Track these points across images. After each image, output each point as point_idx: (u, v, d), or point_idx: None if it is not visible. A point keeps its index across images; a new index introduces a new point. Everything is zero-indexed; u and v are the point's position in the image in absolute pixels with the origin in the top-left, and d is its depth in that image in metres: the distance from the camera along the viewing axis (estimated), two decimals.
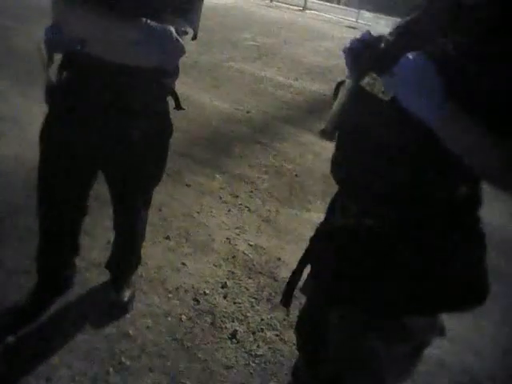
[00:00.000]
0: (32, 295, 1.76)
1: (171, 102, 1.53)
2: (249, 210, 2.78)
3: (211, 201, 2.81)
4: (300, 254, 1.16)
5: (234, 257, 2.34)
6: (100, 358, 1.65)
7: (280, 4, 13.58)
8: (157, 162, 1.60)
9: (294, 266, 1.18)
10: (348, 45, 0.92)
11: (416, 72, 0.79)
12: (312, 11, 13.28)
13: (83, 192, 1.63)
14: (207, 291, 2.08)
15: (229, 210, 2.74)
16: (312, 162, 3.57)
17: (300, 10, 13.26)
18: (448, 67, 0.78)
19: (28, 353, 1.62)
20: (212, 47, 6.37)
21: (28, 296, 1.76)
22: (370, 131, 0.93)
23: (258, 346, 1.85)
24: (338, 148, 1.06)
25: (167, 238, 2.38)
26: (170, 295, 2.01)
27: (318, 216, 2.72)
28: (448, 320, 1.04)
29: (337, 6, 16.15)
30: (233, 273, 2.23)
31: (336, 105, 0.99)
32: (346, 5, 16.33)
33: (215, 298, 2.05)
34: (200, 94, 4.57)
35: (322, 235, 1.12)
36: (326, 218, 1.16)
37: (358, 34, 0.92)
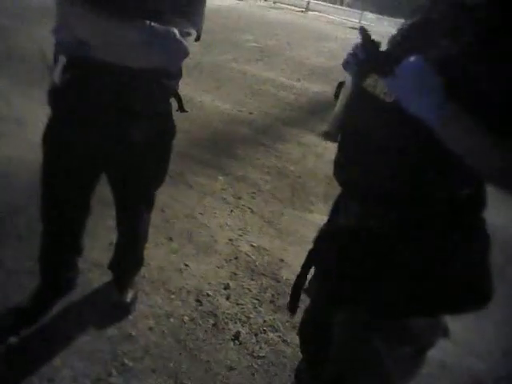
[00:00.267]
0: (34, 296, 1.76)
1: (174, 104, 1.53)
2: (251, 212, 2.78)
3: (214, 202, 2.81)
4: (303, 255, 1.16)
5: (236, 258, 2.34)
6: (102, 360, 1.65)
7: (282, 5, 13.60)
8: (160, 164, 1.60)
9: (296, 267, 1.18)
10: (350, 54, 0.94)
11: (417, 73, 0.80)
12: (314, 12, 13.30)
13: (86, 193, 1.63)
14: (210, 292, 2.07)
15: (231, 212, 2.74)
16: (314, 163, 3.56)
17: (302, 11, 13.27)
18: (449, 67, 0.79)
19: (30, 354, 1.62)
20: (214, 48, 6.37)
21: (30, 297, 1.76)
22: (372, 132, 0.93)
23: (260, 348, 1.85)
24: (340, 149, 1.06)
25: (170, 239, 2.38)
26: (172, 296, 2.01)
27: (320, 217, 2.72)
28: (449, 321, 1.03)
29: (340, 7, 16.17)
30: (235, 274, 2.23)
31: (338, 106, 0.99)
32: (348, 6, 16.34)
33: (218, 300, 2.05)
34: (202, 95, 4.58)
35: (325, 236, 1.12)
36: (329, 219, 1.16)
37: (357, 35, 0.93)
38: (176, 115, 1.54)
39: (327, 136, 1.05)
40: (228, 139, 3.76)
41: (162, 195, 2.42)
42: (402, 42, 0.94)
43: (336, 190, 1.13)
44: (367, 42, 0.90)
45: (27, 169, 2.59)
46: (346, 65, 0.97)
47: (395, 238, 0.95)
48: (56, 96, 1.41)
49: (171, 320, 1.89)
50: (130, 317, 1.86)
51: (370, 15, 14.34)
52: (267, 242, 2.51)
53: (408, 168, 0.89)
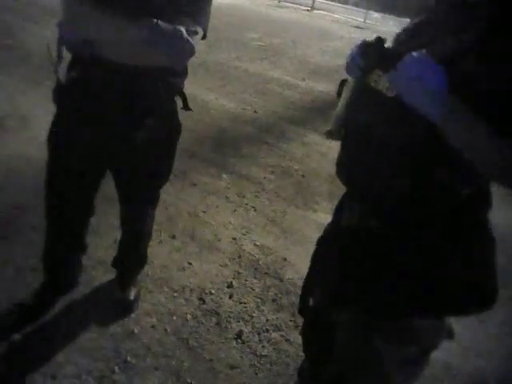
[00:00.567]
0: (38, 293, 1.77)
1: (179, 102, 1.53)
2: (255, 210, 2.78)
3: (217, 200, 2.81)
4: (306, 254, 1.16)
5: (239, 257, 2.34)
6: (105, 357, 1.66)
7: (288, 4, 13.58)
8: (165, 162, 1.60)
9: (299, 266, 1.18)
10: (354, 51, 0.94)
11: (419, 68, 0.80)
12: (320, 11, 13.26)
13: (91, 192, 1.63)
14: (213, 291, 2.07)
15: (235, 210, 2.74)
16: (319, 162, 3.56)
17: (308, 9, 13.24)
18: (450, 67, 0.79)
19: (33, 350, 1.63)
20: (219, 47, 6.37)
21: (34, 294, 1.77)
22: (374, 129, 0.93)
23: (263, 347, 1.85)
24: (342, 147, 1.06)
25: (173, 237, 2.38)
26: (175, 294, 2.01)
27: (324, 217, 2.72)
28: (453, 322, 1.03)
29: (345, 6, 16.11)
30: (238, 273, 2.23)
31: (340, 104, 0.99)
32: (354, 5, 16.29)
33: (221, 298, 2.05)
34: (207, 94, 4.58)
35: (328, 236, 1.12)
36: (333, 219, 1.16)
37: (356, 44, 0.94)
38: (180, 113, 1.54)
39: (330, 134, 1.05)
40: (232, 138, 3.76)
41: (166, 193, 2.43)
42: (406, 40, 0.94)
43: (340, 189, 1.12)
44: (372, 40, 0.90)
45: (31, 166, 2.60)
46: (349, 65, 0.97)
47: (396, 238, 0.95)
48: (61, 94, 1.41)
49: (174, 318, 1.89)
50: (133, 314, 1.86)
51: (375, 14, 14.30)
52: (271, 241, 2.51)
53: (409, 166, 0.89)
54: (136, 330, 1.79)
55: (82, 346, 1.68)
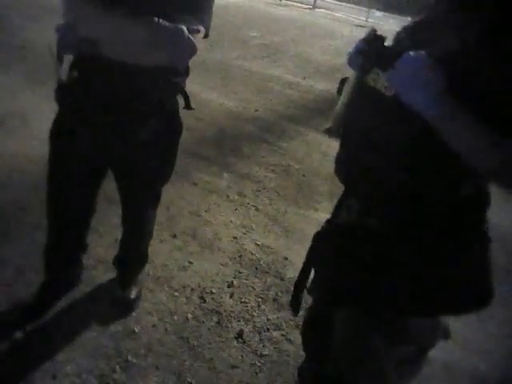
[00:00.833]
0: (39, 292, 1.77)
1: (181, 101, 1.52)
2: (256, 209, 2.77)
3: (218, 199, 2.81)
4: None
5: (240, 256, 2.34)
6: (106, 356, 1.66)
7: (289, 2, 13.56)
8: (166, 161, 1.60)
9: (300, 265, 1.17)
10: (355, 49, 0.94)
11: (416, 67, 0.80)
12: (321, 9, 13.26)
13: (92, 191, 1.64)
14: (213, 290, 2.07)
15: (236, 209, 2.74)
16: (319, 161, 3.55)
17: (309, 8, 13.24)
18: (449, 66, 0.78)
19: (34, 350, 1.63)
20: (220, 45, 6.37)
21: (35, 293, 1.77)
22: (372, 127, 0.93)
23: (263, 346, 1.85)
24: (341, 146, 1.06)
25: (174, 236, 2.38)
26: (176, 294, 2.01)
27: (325, 216, 2.70)
28: (452, 321, 1.03)
29: (347, 4, 16.10)
30: (239, 272, 2.22)
31: (340, 102, 0.99)
32: (355, 3, 16.27)
33: (221, 297, 2.05)
34: (208, 93, 4.58)
35: (325, 233, 1.11)
36: (331, 217, 1.16)
37: (364, 34, 0.93)
38: (181, 112, 1.54)
39: (329, 132, 1.05)
40: (233, 137, 3.76)
41: (167, 192, 2.42)
42: (405, 39, 0.94)
43: (341, 188, 1.12)
44: (372, 37, 0.90)
45: (33, 165, 2.61)
46: (350, 60, 0.97)
47: (394, 237, 0.95)
48: (63, 93, 1.41)
49: (175, 317, 1.89)
50: (134, 313, 1.86)
51: (377, 13, 14.28)
52: (272, 240, 2.51)
53: (408, 166, 0.89)
54: (137, 329, 1.79)
55: (82, 345, 1.68)
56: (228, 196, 2.86)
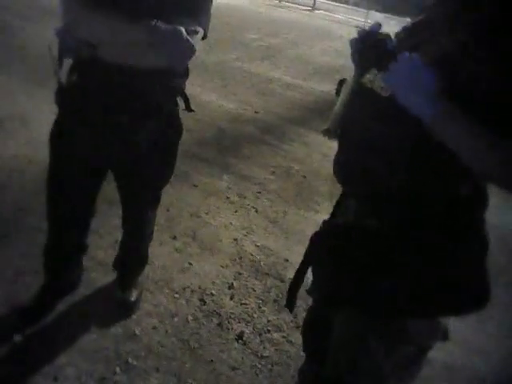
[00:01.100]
0: (39, 295, 1.77)
1: (181, 103, 1.53)
2: (256, 211, 2.77)
3: (218, 201, 2.81)
4: None
5: (240, 258, 2.34)
6: (107, 358, 1.66)
7: (289, 4, 13.57)
8: (166, 163, 1.60)
9: None
10: (356, 36, 0.94)
11: (411, 69, 0.81)
12: (320, 11, 13.26)
13: (92, 192, 1.64)
14: (214, 292, 2.07)
15: (236, 211, 2.74)
16: (320, 162, 3.55)
17: (309, 9, 13.24)
18: (448, 67, 0.78)
19: (34, 352, 1.63)
20: (220, 47, 6.37)
21: (35, 295, 1.77)
22: (370, 128, 0.93)
23: (264, 348, 1.84)
24: (339, 147, 1.06)
25: (174, 238, 2.38)
26: (176, 295, 2.01)
27: (325, 217, 2.71)
28: (453, 322, 1.03)
29: (346, 6, 16.10)
30: (240, 274, 2.22)
31: (339, 103, 0.99)
32: (354, 5, 16.28)
33: (222, 299, 2.05)
34: (207, 94, 4.58)
35: (323, 233, 1.11)
36: (328, 218, 1.16)
37: (368, 26, 0.94)
38: (181, 114, 1.54)
39: (327, 133, 1.05)
40: (233, 138, 3.76)
41: (167, 194, 2.42)
42: (404, 40, 0.94)
43: (341, 189, 1.12)
44: (372, 36, 0.90)
45: (33, 166, 2.61)
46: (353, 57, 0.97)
47: (393, 237, 0.95)
48: (63, 95, 1.41)
49: (175, 319, 1.89)
50: (134, 316, 1.86)
51: (377, 14, 14.28)
52: (272, 242, 2.51)
53: (406, 166, 0.89)
54: (137, 332, 1.79)
55: (82, 348, 1.68)
56: (228, 197, 2.86)
